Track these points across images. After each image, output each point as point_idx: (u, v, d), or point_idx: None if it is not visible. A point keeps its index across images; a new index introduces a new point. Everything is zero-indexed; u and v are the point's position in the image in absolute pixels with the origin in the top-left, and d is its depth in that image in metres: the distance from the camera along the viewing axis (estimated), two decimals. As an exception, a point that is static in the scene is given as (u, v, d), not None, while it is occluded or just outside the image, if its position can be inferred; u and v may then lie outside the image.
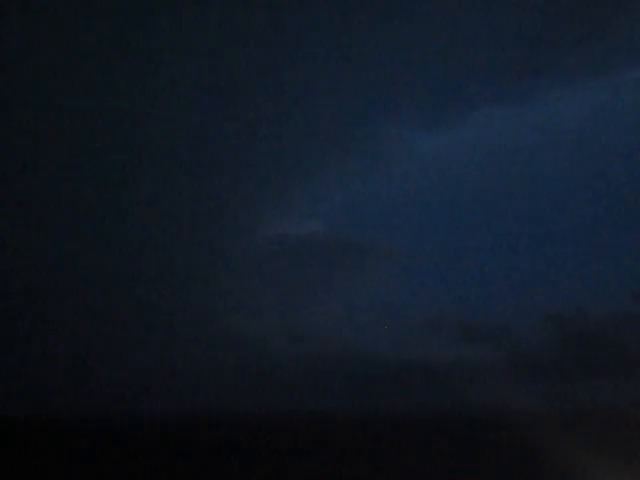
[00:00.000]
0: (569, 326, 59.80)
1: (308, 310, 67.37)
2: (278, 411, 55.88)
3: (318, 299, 70.10)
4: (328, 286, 72.81)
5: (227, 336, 57.32)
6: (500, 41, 79.74)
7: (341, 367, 55.41)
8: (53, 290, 54.70)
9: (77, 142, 66.00)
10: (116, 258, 60.00)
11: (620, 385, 51.55)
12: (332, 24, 74.78)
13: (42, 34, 64.52)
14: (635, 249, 73.45)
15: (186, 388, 49.78)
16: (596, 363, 55.60)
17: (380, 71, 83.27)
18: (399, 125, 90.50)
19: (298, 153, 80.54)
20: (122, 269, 59.22)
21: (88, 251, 60.10)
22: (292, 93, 77.50)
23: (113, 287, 57.03)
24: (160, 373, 50.05)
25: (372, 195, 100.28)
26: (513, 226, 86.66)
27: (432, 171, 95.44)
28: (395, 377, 54.63)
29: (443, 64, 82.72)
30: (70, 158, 64.96)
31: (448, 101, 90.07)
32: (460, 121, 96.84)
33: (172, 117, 71.46)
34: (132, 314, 55.37)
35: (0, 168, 58.48)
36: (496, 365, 54.91)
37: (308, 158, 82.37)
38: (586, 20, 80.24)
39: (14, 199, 58.34)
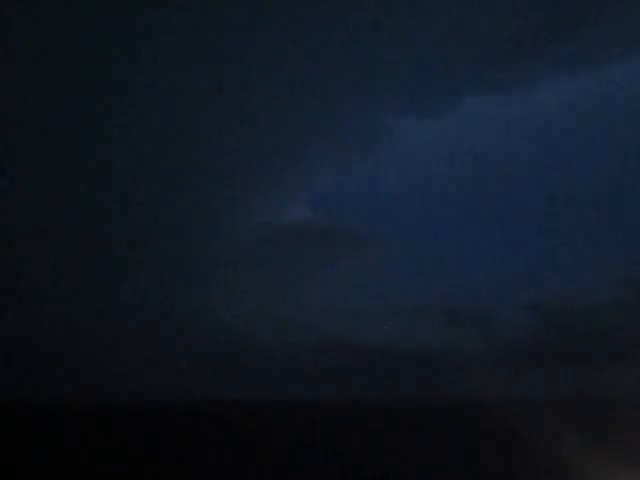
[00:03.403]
0: (554, 314, 60.82)
1: (294, 297, 68.19)
2: (262, 398, 56.64)
3: (304, 286, 71.06)
4: (314, 273, 73.72)
5: (212, 323, 58.19)
6: (492, 29, 79.86)
7: (327, 354, 56.47)
8: (51, 284, 56.08)
9: (67, 135, 66.96)
10: (105, 248, 60.92)
11: (605, 373, 52.39)
12: (321, 11, 75.01)
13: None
14: (622, 237, 74.32)
15: (170, 374, 50.93)
16: (580, 351, 56.38)
17: (371, 60, 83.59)
18: (389, 113, 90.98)
19: (286, 141, 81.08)
20: (110, 258, 60.25)
21: (80, 240, 61.06)
22: (282, 81, 77.88)
23: (103, 276, 58.18)
24: (144, 360, 51.23)
25: (360, 183, 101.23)
26: (500, 214, 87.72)
27: (421, 159, 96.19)
28: (381, 364, 55.73)
29: (433, 51, 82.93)
30: (64, 154, 66.03)
31: (438, 89, 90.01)
32: (450, 109, 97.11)
33: (164, 106, 72.21)
34: (120, 301, 56.35)
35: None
36: (481, 352, 56.02)
37: (297, 146, 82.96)
38: (580, 9, 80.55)
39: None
